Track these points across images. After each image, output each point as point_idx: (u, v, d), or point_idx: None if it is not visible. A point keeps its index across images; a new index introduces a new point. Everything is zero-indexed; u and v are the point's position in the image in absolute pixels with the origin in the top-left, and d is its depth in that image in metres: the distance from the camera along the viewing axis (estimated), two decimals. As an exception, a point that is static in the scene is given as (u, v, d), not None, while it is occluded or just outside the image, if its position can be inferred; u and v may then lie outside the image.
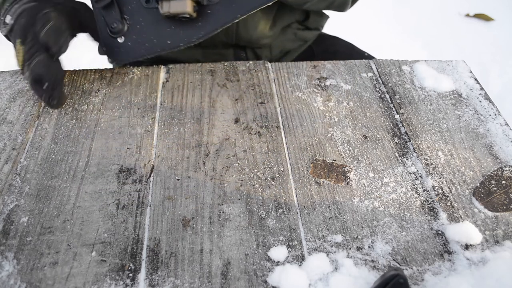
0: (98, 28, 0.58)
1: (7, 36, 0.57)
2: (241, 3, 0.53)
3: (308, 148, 0.56)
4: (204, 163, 0.53)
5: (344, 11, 0.80)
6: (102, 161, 0.53)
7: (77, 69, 0.66)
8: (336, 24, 0.91)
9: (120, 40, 0.57)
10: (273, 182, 0.52)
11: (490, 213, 0.49)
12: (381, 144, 0.57)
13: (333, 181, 0.52)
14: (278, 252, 0.45)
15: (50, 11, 0.53)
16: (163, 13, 0.53)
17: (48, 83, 0.53)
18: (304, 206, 0.49)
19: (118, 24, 0.56)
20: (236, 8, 0.54)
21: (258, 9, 0.53)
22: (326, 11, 0.90)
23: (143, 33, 0.56)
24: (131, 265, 0.43)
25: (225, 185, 0.51)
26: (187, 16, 0.53)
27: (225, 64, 0.67)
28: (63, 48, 0.55)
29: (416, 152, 0.56)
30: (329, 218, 0.48)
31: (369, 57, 0.91)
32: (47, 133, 0.56)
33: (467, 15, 2.18)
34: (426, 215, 0.49)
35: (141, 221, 0.47)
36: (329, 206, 0.49)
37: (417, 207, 0.50)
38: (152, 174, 0.52)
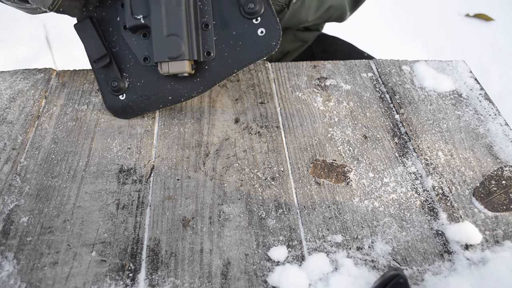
0: (99, 87, 0.59)
1: None
2: (236, 59, 0.54)
3: (308, 148, 0.56)
4: (204, 163, 0.53)
5: (343, 21, 0.80)
6: (102, 161, 0.53)
7: (77, 69, 0.66)
8: (336, 24, 0.91)
9: (122, 97, 0.58)
10: (273, 182, 0.52)
11: (490, 213, 0.49)
12: (381, 144, 0.57)
13: (333, 181, 0.52)
14: (278, 252, 0.45)
15: None
16: (163, 73, 0.54)
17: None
18: (304, 206, 0.49)
19: (118, 83, 0.57)
20: (232, 63, 0.55)
21: (254, 63, 0.55)
22: None
23: (144, 90, 0.57)
24: (131, 265, 0.43)
25: (225, 185, 0.51)
26: (186, 74, 0.54)
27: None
28: None
29: (416, 152, 0.56)
30: (329, 218, 0.48)
31: (369, 57, 0.91)
32: (47, 133, 0.56)
33: (467, 15, 2.18)
34: (426, 215, 0.49)
35: (141, 221, 0.47)
36: (329, 206, 0.49)
37: (417, 207, 0.50)
38: (152, 174, 0.52)
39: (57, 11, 0.53)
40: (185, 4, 0.53)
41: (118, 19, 0.57)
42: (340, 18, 0.78)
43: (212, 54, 0.54)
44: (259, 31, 0.54)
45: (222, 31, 0.55)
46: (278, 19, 0.54)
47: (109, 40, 0.58)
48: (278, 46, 0.54)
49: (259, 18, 0.54)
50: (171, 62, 0.53)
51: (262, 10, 0.53)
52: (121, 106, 0.58)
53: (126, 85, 0.57)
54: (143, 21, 0.54)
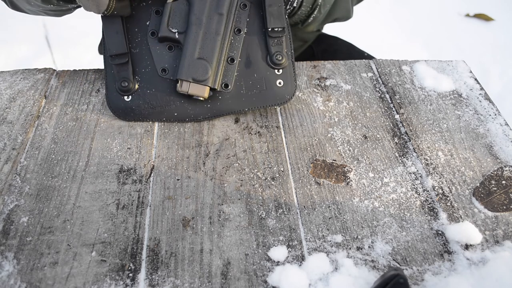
0: (106, 83, 0.58)
1: None
2: (250, 99, 0.57)
3: (308, 148, 0.56)
4: (204, 163, 0.53)
5: (348, 20, 0.81)
6: (102, 161, 0.53)
7: (77, 69, 0.66)
8: (336, 24, 0.91)
9: (127, 99, 0.57)
10: (273, 182, 0.52)
11: (490, 213, 0.49)
12: (381, 144, 0.57)
13: (333, 181, 0.52)
14: (278, 252, 0.45)
15: None
16: (180, 91, 0.55)
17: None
18: (304, 206, 0.49)
19: (128, 84, 0.57)
20: (245, 102, 0.57)
21: (267, 107, 0.58)
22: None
23: (151, 99, 0.57)
24: (131, 265, 0.43)
25: (225, 185, 0.51)
26: (201, 98, 0.56)
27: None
28: None
29: (416, 152, 0.56)
30: (329, 218, 0.48)
31: (369, 57, 0.91)
32: (47, 133, 0.56)
33: (467, 15, 2.18)
34: (426, 215, 0.49)
35: (141, 221, 0.47)
36: (329, 206, 0.49)
37: (417, 207, 0.50)
38: (152, 174, 0.52)
39: (111, 14, 0.54)
40: (223, 35, 0.56)
41: (147, 23, 0.58)
42: (345, 18, 0.79)
43: (229, 87, 0.57)
44: (277, 81, 0.58)
45: (244, 69, 0.58)
46: (296, 77, 0.59)
47: (131, 40, 0.58)
48: (292, 100, 0.59)
49: (281, 70, 0.58)
50: (192, 83, 0.55)
51: (286, 64, 0.58)
52: (123, 107, 0.57)
53: (136, 88, 0.57)
54: (177, 36, 0.56)
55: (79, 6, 0.60)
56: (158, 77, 0.57)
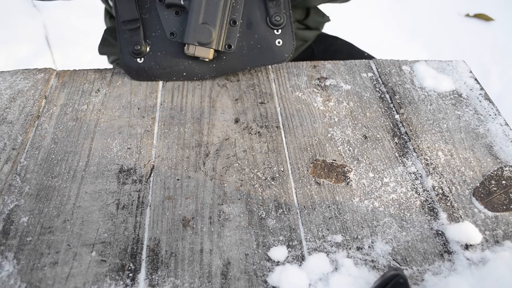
0: (119, 46, 0.62)
1: None
2: (251, 58, 0.62)
3: (308, 148, 0.56)
4: (204, 163, 0.53)
5: (347, 1, 0.81)
6: (102, 161, 0.53)
7: (77, 69, 0.66)
8: (336, 24, 0.91)
9: (140, 61, 0.62)
10: (273, 182, 0.52)
11: (490, 213, 0.49)
12: (381, 144, 0.57)
13: (333, 181, 0.52)
14: (278, 252, 0.45)
15: None
16: (187, 53, 0.60)
17: None
18: (304, 206, 0.49)
19: (141, 47, 0.61)
20: (247, 61, 0.62)
21: (265, 66, 0.63)
22: (328, 9, 0.90)
23: (162, 61, 0.62)
24: (131, 265, 0.43)
25: (225, 185, 0.51)
26: (206, 59, 0.61)
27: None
28: None
29: (416, 152, 0.56)
30: (329, 218, 0.48)
31: (369, 57, 0.91)
32: (47, 133, 0.56)
33: (467, 15, 2.18)
34: (426, 215, 0.49)
35: (141, 221, 0.47)
36: (329, 206, 0.49)
37: (417, 207, 0.50)
38: (152, 174, 0.52)
39: None
40: (224, 0, 0.59)
41: None
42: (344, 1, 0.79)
43: (232, 48, 0.61)
44: (277, 41, 0.62)
45: (246, 31, 0.62)
46: (294, 36, 0.62)
47: (141, 6, 0.61)
48: (290, 58, 0.62)
49: (279, 30, 0.62)
50: (198, 47, 0.59)
51: (284, 24, 0.62)
52: (136, 67, 0.62)
53: (148, 50, 0.62)
54: (182, 3, 0.59)
55: None
56: (167, 40, 0.61)
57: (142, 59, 0.62)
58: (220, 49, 0.61)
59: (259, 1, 0.62)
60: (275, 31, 0.62)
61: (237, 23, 0.61)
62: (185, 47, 0.60)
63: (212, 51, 0.60)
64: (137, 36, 0.61)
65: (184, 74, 0.63)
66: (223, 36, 0.61)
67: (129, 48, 0.62)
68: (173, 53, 0.62)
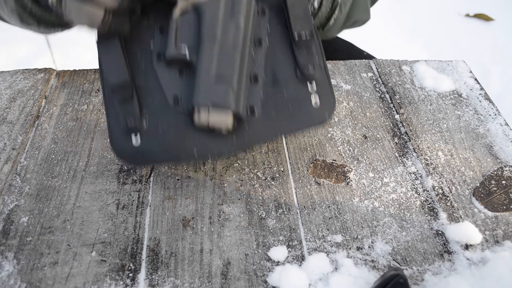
0: (108, 122, 0.47)
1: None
2: (283, 124, 0.47)
3: (308, 148, 0.56)
4: (204, 163, 0.53)
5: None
6: (102, 161, 0.53)
7: (77, 69, 0.66)
8: (336, 24, 0.91)
9: (135, 141, 0.46)
10: (273, 182, 0.52)
11: (490, 213, 0.49)
12: (381, 144, 0.57)
13: (333, 181, 0.52)
14: (278, 252, 0.45)
15: None
16: (199, 122, 0.45)
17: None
18: (304, 206, 0.49)
19: (136, 121, 0.46)
20: (278, 128, 0.47)
21: (304, 130, 0.48)
22: None
23: (164, 137, 0.46)
24: (131, 265, 0.43)
25: (225, 185, 0.51)
26: (223, 131, 0.46)
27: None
28: None
29: (416, 152, 0.56)
30: (329, 218, 0.48)
31: (369, 56, 0.91)
32: (47, 133, 0.56)
33: (467, 15, 2.18)
34: (426, 215, 0.49)
35: (141, 221, 0.47)
36: (329, 206, 0.49)
37: (417, 207, 0.50)
38: (152, 174, 0.52)
39: (108, 32, 0.45)
40: (242, 48, 0.46)
41: (151, 46, 0.48)
42: (364, 22, 0.76)
43: (255, 112, 0.47)
44: (312, 97, 0.48)
45: (271, 88, 0.48)
46: (333, 91, 0.49)
47: (134, 69, 0.48)
48: (331, 119, 0.48)
49: (314, 83, 0.48)
50: (213, 109, 0.44)
51: (319, 75, 0.48)
52: (131, 150, 0.46)
53: (145, 126, 0.46)
54: (188, 56, 0.46)
55: (65, 28, 0.53)
56: (170, 109, 0.47)
57: (139, 137, 0.46)
58: (240, 114, 0.45)
59: (285, 49, 0.49)
60: (308, 86, 0.48)
61: (259, 79, 0.47)
62: (196, 115, 0.44)
63: (231, 116, 0.44)
64: (131, 106, 0.46)
65: (196, 153, 0.46)
66: (243, 97, 0.45)
67: (120, 123, 0.46)
68: (179, 126, 0.46)
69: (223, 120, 0.44)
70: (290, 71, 0.48)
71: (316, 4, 0.57)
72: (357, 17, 0.70)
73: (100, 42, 0.46)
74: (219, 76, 0.45)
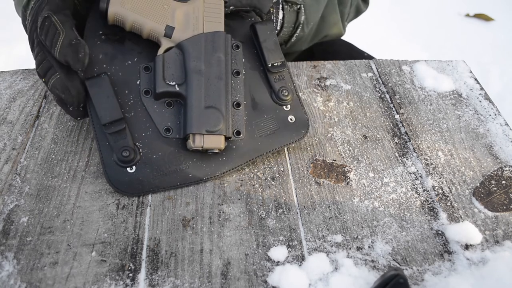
0: (100, 156, 0.50)
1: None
2: (266, 141, 0.53)
3: (308, 148, 0.56)
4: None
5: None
6: (102, 161, 0.53)
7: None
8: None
9: (131, 170, 0.50)
10: (273, 182, 0.52)
11: (490, 213, 0.49)
12: (381, 144, 0.57)
13: (333, 181, 0.52)
14: (278, 252, 0.45)
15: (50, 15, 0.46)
16: (194, 147, 0.49)
17: (72, 106, 0.50)
18: (304, 206, 0.49)
19: (130, 152, 0.49)
20: (261, 145, 0.53)
21: (285, 146, 0.54)
22: None
23: (160, 165, 0.50)
24: (131, 265, 0.43)
25: (225, 185, 0.51)
26: (216, 151, 0.51)
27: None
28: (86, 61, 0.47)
29: (416, 152, 0.56)
30: (329, 218, 0.48)
31: (369, 57, 0.91)
32: (47, 133, 0.56)
33: (467, 15, 2.18)
34: (426, 215, 0.49)
35: (141, 221, 0.47)
36: (329, 206, 0.49)
37: (417, 207, 0.50)
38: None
39: (96, 75, 0.49)
40: (225, 79, 0.52)
41: (138, 82, 0.52)
42: (337, 37, 0.79)
43: (241, 134, 0.53)
44: (289, 117, 0.55)
45: (252, 112, 0.54)
46: (305, 109, 0.56)
47: (123, 104, 0.51)
48: (307, 134, 0.56)
49: (289, 106, 0.55)
50: (206, 136, 0.49)
51: (292, 98, 0.55)
52: (128, 180, 0.49)
53: (139, 156, 0.50)
54: (177, 89, 0.51)
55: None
56: (162, 138, 0.51)
57: (134, 167, 0.49)
58: (229, 136, 0.51)
59: (260, 77, 0.56)
60: (284, 107, 0.55)
61: (241, 105, 0.53)
62: (189, 141, 0.49)
63: (223, 138, 0.50)
64: (124, 139, 0.49)
65: (190, 175, 0.50)
66: (230, 121, 0.52)
67: (115, 156, 0.49)
68: (172, 153, 0.51)
69: (216, 143, 0.50)
70: (267, 95, 0.56)
71: (278, 27, 0.64)
72: (326, 33, 0.74)
73: (90, 82, 0.50)
74: (209, 105, 0.50)
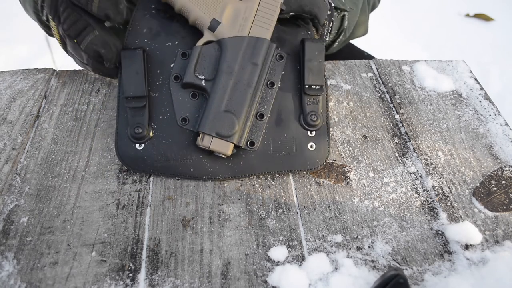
0: (117, 126, 0.51)
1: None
2: (277, 161, 0.51)
3: (308, 148, 0.56)
4: (204, 163, 0.53)
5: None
6: (102, 161, 0.53)
7: (77, 69, 0.66)
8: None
9: (139, 147, 0.51)
10: (273, 182, 0.52)
11: (490, 213, 0.49)
12: (381, 144, 0.57)
13: (333, 181, 0.52)
14: (278, 252, 0.45)
15: None
16: (200, 145, 0.49)
17: (110, 62, 0.51)
18: (304, 206, 0.49)
19: (143, 130, 0.50)
20: (271, 163, 0.51)
21: (293, 173, 0.52)
22: None
23: (166, 151, 0.50)
24: (131, 265, 0.43)
25: (225, 185, 0.51)
26: (222, 155, 0.50)
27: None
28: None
29: (416, 152, 0.56)
30: (329, 218, 0.48)
31: (369, 56, 0.91)
32: (47, 133, 0.56)
33: (467, 15, 2.18)
34: (426, 215, 0.49)
35: (141, 221, 0.47)
36: (329, 206, 0.49)
37: (417, 207, 0.50)
38: (152, 174, 0.52)
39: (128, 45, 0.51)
40: (254, 87, 0.51)
41: (172, 65, 0.53)
42: (362, 36, 0.78)
43: (255, 146, 0.51)
44: (309, 144, 0.52)
45: (274, 127, 0.52)
46: (330, 141, 0.53)
47: (151, 82, 0.52)
48: (323, 166, 0.53)
49: (314, 132, 0.53)
50: (215, 138, 0.49)
51: (320, 126, 0.53)
52: (133, 155, 0.50)
53: (150, 136, 0.51)
54: (204, 84, 0.50)
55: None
56: (177, 126, 0.51)
57: (142, 145, 0.50)
58: (241, 145, 0.50)
59: (294, 95, 0.53)
60: (308, 132, 0.52)
61: (265, 117, 0.52)
62: (199, 138, 0.49)
63: (231, 146, 0.49)
64: (141, 117, 0.50)
65: (192, 170, 0.50)
66: (247, 131, 0.50)
67: (128, 130, 0.50)
68: (181, 143, 0.51)
69: (223, 148, 0.49)
70: (295, 115, 0.53)
71: (328, 39, 0.62)
72: (356, 34, 0.73)
73: (125, 53, 0.51)
74: (228, 109, 0.49)
